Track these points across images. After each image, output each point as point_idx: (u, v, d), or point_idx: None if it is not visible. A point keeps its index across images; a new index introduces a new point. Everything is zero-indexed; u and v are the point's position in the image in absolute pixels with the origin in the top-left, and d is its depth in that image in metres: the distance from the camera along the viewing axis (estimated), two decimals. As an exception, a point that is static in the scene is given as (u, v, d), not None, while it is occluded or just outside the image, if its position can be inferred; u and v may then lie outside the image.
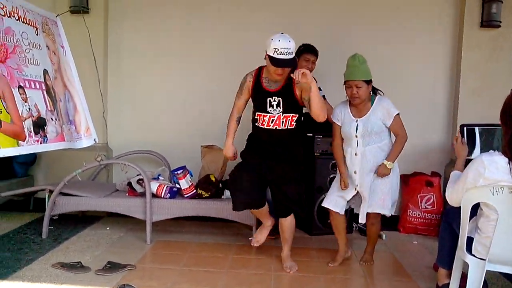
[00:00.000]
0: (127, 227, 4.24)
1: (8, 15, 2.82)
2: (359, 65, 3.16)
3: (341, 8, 4.72)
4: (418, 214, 4.37)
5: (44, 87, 3.12)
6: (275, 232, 4.17)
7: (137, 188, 4.04)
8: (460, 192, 2.43)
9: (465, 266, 2.56)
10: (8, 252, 3.51)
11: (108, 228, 4.23)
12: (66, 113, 3.48)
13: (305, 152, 4.27)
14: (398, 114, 3.22)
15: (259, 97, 3.17)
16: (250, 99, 3.26)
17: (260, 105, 3.17)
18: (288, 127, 3.16)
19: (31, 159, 4.74)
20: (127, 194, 4.08)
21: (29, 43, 3.01)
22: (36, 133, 2.91)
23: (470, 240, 2.48)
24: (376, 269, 3.46)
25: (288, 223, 3.37)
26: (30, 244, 3.72)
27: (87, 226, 4.28)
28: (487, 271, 2.41)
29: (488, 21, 4.33)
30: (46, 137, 3.03)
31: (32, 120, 2.89)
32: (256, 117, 3.22)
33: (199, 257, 3.58)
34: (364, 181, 3.26)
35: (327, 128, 3.56)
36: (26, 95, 2.87)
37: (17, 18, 2.92)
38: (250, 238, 3.91)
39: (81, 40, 4.38)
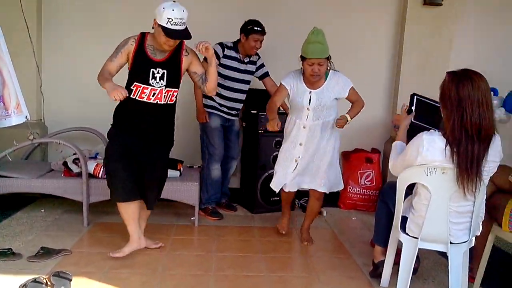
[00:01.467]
0: (62, 209, 4.06)
1: None
2: (323, 42, 3.04)
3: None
4: (358, 191, 4.47)
5: None
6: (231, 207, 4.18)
7: (73, 168, 3.86)
8: (400, 166, 2.50)
9: (400, 243, 2.65)
10: None
11: (42, 210, 4.04)
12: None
13: (249, 130, 4.29)
14: (352, 85, 3.26)
15: (140, 66, 2.90)
16: (127, 65, 2.97)
17: (140, 75, 2.89)
18: (168, 102, 2.98)
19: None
20: (62, 175, 3.88)
21: None
22: None
23: (404, 219, 2.56)
24: (316, 246, 3.52)
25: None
26: (-45, 230, 3.50)
27: (20, 208, 4.06)
28: (420, 248, 2.50)
29: (431, -1, 4.40)
30: None
31: None
32: (132, 87, 2.91)
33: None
34: (307, 153, 3.28)
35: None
36: None
37: None
38: (192, 218, 3.88)
39: (12, 8, 4.06)
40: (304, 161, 3.31)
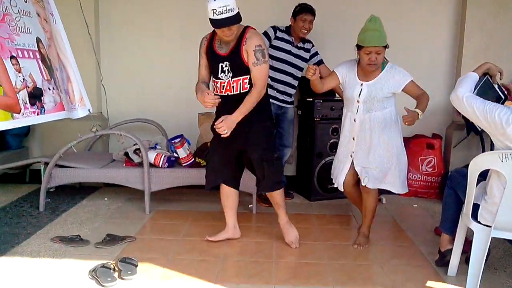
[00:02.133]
0: (125, 197, 4.19)
1: (-7, -19, 2.66)
2: (380, 30, 2.91)
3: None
4: (419, 177, 4.34)
5: (38, 56, 2.99)
6: (267, 201, 4.16)
7: (134, 158, 3.97)
8: (479, 110, 2.28)
9: (468, 231, 2.54)
10: (5, 227, 3.47)
11: (106, 199, 4.19)
12: (62, 82, 3.37)
13: (305, 117, 4.24)
14: (412, 80, 3.05)
15: (212, 62, 3.00)
16: None
17: (213, 71, 3.01)
18: (241, 91, 2.95)
19: (25, 131, 4.65)
20: (124, 165, 4.00)
21: (18, 11, 2.85)
22: (32, 104, 2.80)
23: (475, 207, 2.44)
24: (377, 234, 3.42)
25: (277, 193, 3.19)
26: (28, 218, 3.67)
27: (85, 197, 4.23)
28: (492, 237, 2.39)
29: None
30: (44, 108, 2.92)
31: (27, 91, 2.78)
32: (213, 84, 3.06)
33: (199, 226, 3.55)
34: (360, 149, 3.12)
35: (327, 92, 3.41)
36: (19, 65, 2.74)
37: (3, -15, 2.75)
38: (250, 206, 3.90)
39: (71, 6, 4.22)
40: (359, 156, 3.14)
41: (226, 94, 2.97)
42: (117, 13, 4.69)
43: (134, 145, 4.01)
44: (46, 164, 3.88)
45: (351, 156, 3.17)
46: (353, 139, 3.15)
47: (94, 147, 4.58)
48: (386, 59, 3.07)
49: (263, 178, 3.11)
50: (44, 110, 2.93)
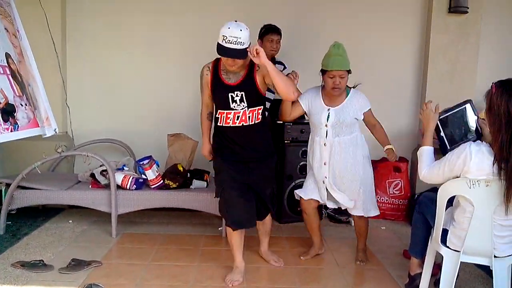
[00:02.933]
0: (90, 220, 4.07)
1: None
2: (343, 55, 3.02)
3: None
4: (386, 200, 4.41)
5: (8, 71, 2.90)
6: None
7: (101, 180, 3.87)
8: (438, 176, 2.40)
9: (437, 255, 2.58)
10: (-38, 251, 3.31)
11: (70, 221, 4.06)
12: (35, 98, 3.26)
13: (275, 140, 4.25)
14: (370, 108, 3.20)
15: (219, 93, 2.91)
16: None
17: (221, 102, 2.91)
18: (255, 122, 2.94)
19: (-16, 150, 4.47)
20: (90, 186, 3.90)
21: None
22: (5, 120, 2.70)
23: (444, 232, 2.49)
24: (347, 257, 3.46)
25: (268, 218, 3.28)
26: (-13, 242, 3.52)
27: (48, 219, 4.09)
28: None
29: (456, 7, 4.33)
30: (17, 124, 2.82)
31: None
32: (217, 115, 2.96)
33: (168, 250, 3.48)
34: (333, 173, 3.16)
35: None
36: None
37: (-31, 0, 2.67)
38: (219, 228, 3.85)
39: (37, 23, 4.16)
40: (332, 181, 3.18)
41: (241, 124, 2.90)
42: (84, 30, 4.62)
43: (100, 166, 3.92)
44: (8, 185, 3.74)
45: (323, 182, 3.20)
46: (325, 164, 3.18)
47: (59, 168, 4.45)
48: (348, 86, 3.17)
49: (266, 209, 3.18)
50: (18, 126, 2.84)
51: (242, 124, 2.91)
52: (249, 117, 2.90)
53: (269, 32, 3.92)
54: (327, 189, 3.21)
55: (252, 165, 3.00)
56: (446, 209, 2.46)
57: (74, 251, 3.36)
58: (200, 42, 4.44)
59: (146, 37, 4.64)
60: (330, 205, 3.31)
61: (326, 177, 3.18)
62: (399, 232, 4.04)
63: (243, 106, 2.88)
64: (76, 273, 3.00)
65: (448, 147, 2.53)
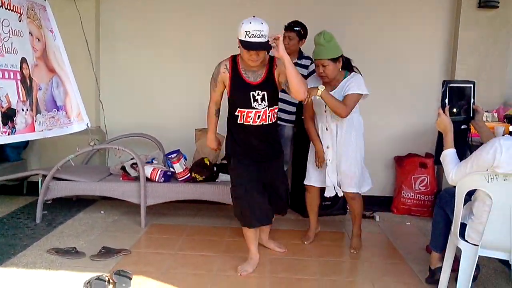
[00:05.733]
0: (121, 211, 4.23)
1: (-9, 2, 2.72)
2: (325, 44, 3.08)
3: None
4: (412, 196, 4.39)
5: (19, 77, 3.00)
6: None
7: (131, 172, 4.02)
8: (463, 175, 2.40)
9: (458, 249, 2.59)
10: (2, 238, 3.51)
11: (102, 212, 4.23)
12: (51, 100, 3.40)
13: (300, 134, 4.31)
14: (359, 94, 3.14)
15: (240, 91, 2.90)
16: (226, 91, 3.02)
17: (242, 100, 2.91)
18: (273, 121, 3.00)
19: (24, 143, 4.70)
20: (121, 178, 4.06)
21: (9, 31, 2.89)
22: (4, 124, 2.81)
23: (463, 226, 2.50)
24: (369, 251, 3.48)
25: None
26: (24, 229, 3.71)
27: (81, 210, 4.27)
28: (479, 255, 2.44)
29: (486, 1, 4.26)
30: (15, 128, 2.92)
31: (1, 111, 2.78)
32: (236, 113, 2.95)
33: (193, 241, 3.59)
34: (336, 156, 3.30)
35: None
36: None
37: (0, 4, 2.80)
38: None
39: (73, 24, 4.33)
40: (334, 163, 3.32)
41: (261, 124, 2.94)
42: (117, 29, 4.79)
43: (131, 159, 4.07)
44: (44, 176, 3.93)
45: (326, 164, 3.35)
46: (327, 147, 3.31)
47: (92, 161, 4.64)
48: (353, 69, 3.24)
49: (279, 205, 3.24)
50: (15, 130, 2.93)
51: (263, 123, 2.94)
52: (268, 116, 2.95)
53: (285, 29, 3.98)
54: (328, 173, 3.34)
55: (265, 165, 3.05)
56: (465, 203, 2.46)
57: (104, 240, 3.52)
58: (227, 41, 4.53)
59: (176, 35, 4.77)
60: (329, 193, 3.41)
61: (329, 160, 3.31)
62: (424, 228, 4.02)
63: (264, 105, 2.90)
64: (106, 260, 3.15)
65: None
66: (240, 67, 2.91)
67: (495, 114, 4.03)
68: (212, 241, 3.58)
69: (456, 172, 2.43)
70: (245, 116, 2.93)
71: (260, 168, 3.04)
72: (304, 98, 2.86)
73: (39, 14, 3.35)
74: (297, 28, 3.99)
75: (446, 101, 2.60)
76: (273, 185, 3.13)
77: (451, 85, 2.64)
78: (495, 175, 2.24)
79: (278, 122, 4.08)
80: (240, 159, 3.04)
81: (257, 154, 3.04)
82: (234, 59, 2.94)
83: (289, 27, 3.99)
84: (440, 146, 2.61)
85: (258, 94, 2.88)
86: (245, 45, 2.70)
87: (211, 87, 3.04)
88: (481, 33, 4.41)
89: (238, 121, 2.96)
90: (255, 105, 2.90)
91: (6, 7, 2.87)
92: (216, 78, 2.97)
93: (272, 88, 2.92)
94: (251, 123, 2.93)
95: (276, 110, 3.01)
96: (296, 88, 2.77)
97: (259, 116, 2.92)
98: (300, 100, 2.91)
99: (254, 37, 2.66)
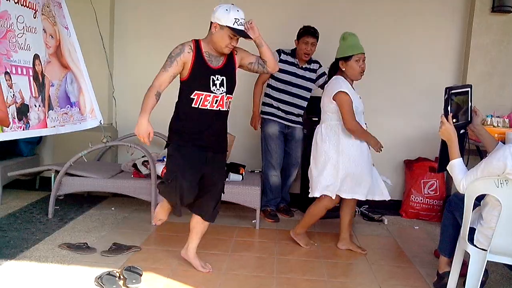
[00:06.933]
0: (132, 208, 4.28)
1: (7, -3, 2.76)
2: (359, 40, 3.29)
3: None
4: (421, 200, 4.39)
5: (31, 73, 3.04)
6: (272, 216, 4.21)
7: (142, 170, 4.07)
8: (472, 181, 2.40)
9: (466, 254, 2.60)
10: (15, 232, 3.56)
11: (113, 208, 4.28)
12: (64, 96, 3.45)
13: (310, 136, 4.32)
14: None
15: (201, 74, 2.82)
16: (179, 75, 2.89)
17: (201, 84, 2.81)
18: (228, 109, 2.94)
19: (37, 139, 4.77)
20: (132, 176, 4.11)
21: (23, 27, 2.94)
22: (19, 119, 2.86)
23: (472, 231, 2.51)
24: (377, 254, 3.49)
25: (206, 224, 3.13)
26: (37, 224, 3.77)
27: (93, 206, 4.33)
28: (488, 260, 2.44)
29: (500, 6, 4.26)
30: (29, 123, 2.97)
31: (15, 106, 2.83)
32: (192, 96, 2.82)
33: (203, 239, 3.55)
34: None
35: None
36: (11, 81, 2.79)
37: (16, 0, 2.85)
38: (253, 221, 3.96)
39: (88, 21, 4.40)
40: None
41: (218, 109, 2.88)
42: (131, 27, 4.84)
43: (142, 157, 4.12)
44: (57, 172, 3.98)
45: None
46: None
47: (104, 158, 4.70)
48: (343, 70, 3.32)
49: (213, 209, 3.07)
50: (29, 125, 2.97)
51: (220, 109, 2.88)
52: (226, 103, 2.89)
53: (305, 34, 3.97)
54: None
55: (210, 155, 2.92)
56: (474, 208, 2.47)
57: (115, 236, 3.57)
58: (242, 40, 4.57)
59: (189, 33, 4.77)
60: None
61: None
62: (433, 232, 4.03)
63: (222, 90, 2.85)
64: (116, 256, 3.19)
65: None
66: (204, 50, 2.85)
67: (507, 120, 4.01)
68: (222, 240, 3.62)
69: (466, 180, 2.41)
70: (202, 100, 2.83)
71: (202, 157, 2.89)
72: (277, 67, 3.05)
73: (54, 11, 3.40)
74: (318, 34, 4.01)
75: (449, 108, 2.57)
76: (212, 178, 2.96)
77: (453, 91, 2.60)
78: (505, 180, 2.25)
79: (289, 124, 4.15)
80: (182, 143, 2.90)
81: (206, 141, 2.89)
82: (197, 42, 2.88)
83: (311, 33, 3.97)
84: (443, 155, 2.59)
85: (217, 79, 2.84)
86: (239, 32, 2.74)
87: (165, 66, 2.85)
88: (493, 37, 4.41)
89: (193, 105, 2.84)
90: (214, 89, 2.83)
91: (22, 3, 2.92)
92: (177, 58, 2.82)
93: (231, 74, 2.91)
94: (208, 107, 2.84)
95: (231, 100, 2.94)
96: (273, 62, 2.98)
97: (216, 100, 2.84)
98: (275, 71, 3.09)
99: (241, 25, 2.75)
